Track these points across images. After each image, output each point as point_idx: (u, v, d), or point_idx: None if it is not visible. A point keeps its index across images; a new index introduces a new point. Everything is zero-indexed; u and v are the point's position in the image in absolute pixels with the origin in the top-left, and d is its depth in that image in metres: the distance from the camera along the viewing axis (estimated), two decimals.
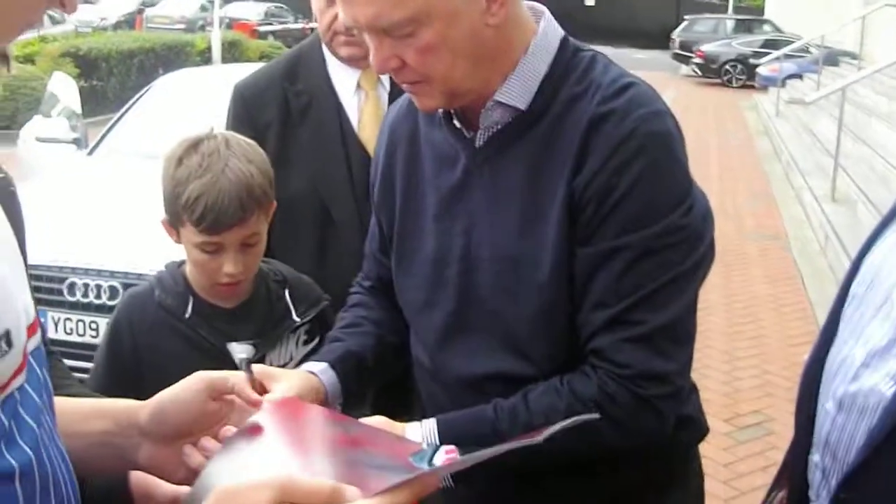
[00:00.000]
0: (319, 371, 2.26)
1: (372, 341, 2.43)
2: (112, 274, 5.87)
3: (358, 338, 2.43)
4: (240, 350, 2.45)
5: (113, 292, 5.81)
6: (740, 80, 34.70)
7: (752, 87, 31.72)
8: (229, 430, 1.74)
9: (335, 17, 3.00)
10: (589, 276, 2.05)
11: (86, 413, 1.68)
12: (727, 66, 35.46)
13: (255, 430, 1.66)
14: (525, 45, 2.12)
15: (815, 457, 2.13)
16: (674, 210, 2.02)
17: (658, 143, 2.03)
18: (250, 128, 3.17)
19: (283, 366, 2.66)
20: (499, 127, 2.14)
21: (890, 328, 1.95)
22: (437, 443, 1.96)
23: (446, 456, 1.68)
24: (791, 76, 27.11)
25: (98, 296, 5.87)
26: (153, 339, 2.64)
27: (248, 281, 2.68)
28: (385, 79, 3.14)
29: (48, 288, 5.85)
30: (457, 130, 2.19)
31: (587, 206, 2.02)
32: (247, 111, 3.23)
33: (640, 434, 2.08)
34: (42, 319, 4.92)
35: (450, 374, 2.26)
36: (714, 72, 35.71)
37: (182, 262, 2.72)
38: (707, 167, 16.84)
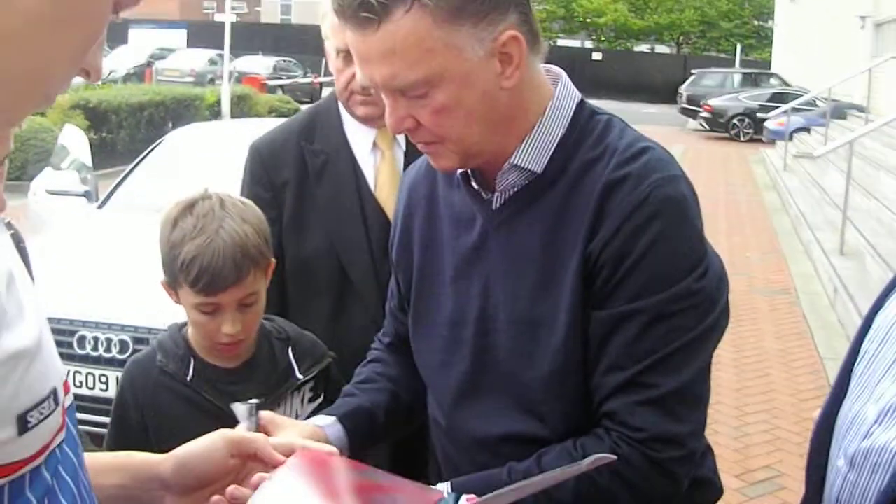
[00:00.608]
0: (326, 425, 2.29)
1: (385, 398, 2.45)
2: (122, 328, 5.90)
3: (371, 394, 2.45)
4: (244, 410, 2.47)
5: (123, 346, 5.84)
6: (748, 133, 34.69)
7: (760, 140, 31.71)
8: (261, 477, 1.76)
9: (352, 77, 3.02)
10: (603, 339, 2.06)
11: (99, 468, 1.69)
12: (735, 120, 35.47)
13: (285, 477, 1.69)
14: (541, 108, 2.14)
15: None
16: (688, 275, 2.04)
17: (673, 208, 2.04)
18: (267, 186, 3.22)
19: None
20: (515, 189, 2.15)
21: None
22: None
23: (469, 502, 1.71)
24: (798, 129, 27.16)
25: (108, 349, 5.90)
26: (157, 404, 2.65)
27: (250, 340, 2.69)
28: (401, 138, 3.16)
29: (58, 341, 5.80)
30: (474, 192, 2.21)
31: (602, 270, 2.04)
32: (264, 170, 3.24)
33: (654, 497, 2.09)
34: None
35: (465, 435, 2.27)
36: (722, 126, 35.72)
37: (183, 325, 2.73)
38: (715, 222, 16.84)
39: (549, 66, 2.20)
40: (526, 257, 2.14)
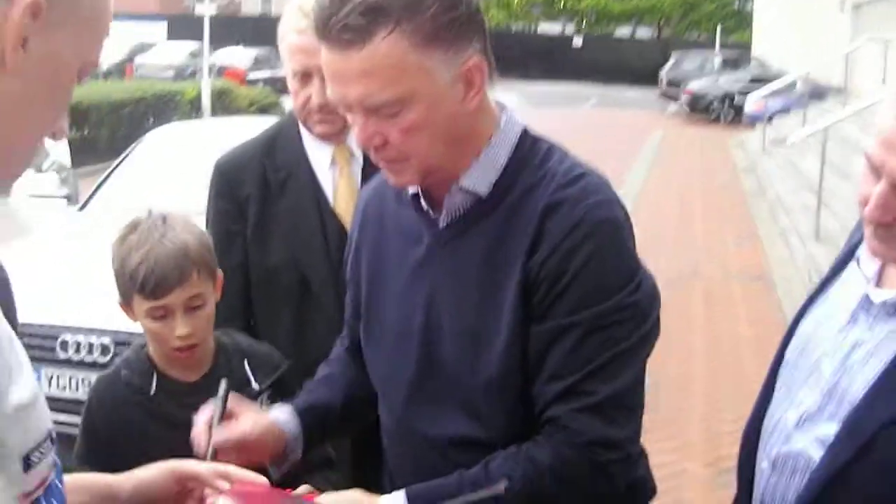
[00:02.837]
0: (284, 421, 2.46)
1: (342, 395, 2.61)
2: (104, 331, 5.97)
3: (329, 391, 2.62)
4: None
5: (104, 349, 5.93)
6: (728, 117, 34.73)
7: (740, 123, 31.78)
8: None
9: (309, 98, 3.17)
10: (543, 350, 2.20)
11: (67, 489, 1.83)
12: (715, 104, 35.51)
13: None
14: (489, 135, 2.29)
15: None
16: (621, 290, 2.18)
17: (606, 229, 2.20)
18: (231, 201, 3.36)
19: None
20: (461, 210, 2.30)
21: (818, 395, 2.10)
22: None
23: None
24: (778, 112, 27.20)
25: (90, 353, 5.99)
26: (123, 417, 2.79)
27: (206, 347, 2.84)
28: (358, 153, 3.29)
29: (40, 345, 5.95)
30: (423, 211, 2.35)
31: (541, 286, 2.18)
32: (228, 186, 3.37)
33: (595, 498, 2.23)
34: (36, 376, 5.01)
35: (415, 438, 2.40)
36: (702, 109, 35.73)
37: (146, 342, 2.88)
38: (691, 207, 16.95)
39: (496, 98, 2.35)
40: (468, 273, 2.27)
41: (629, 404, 2.24)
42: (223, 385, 2.38)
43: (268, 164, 3.35)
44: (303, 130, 3.36)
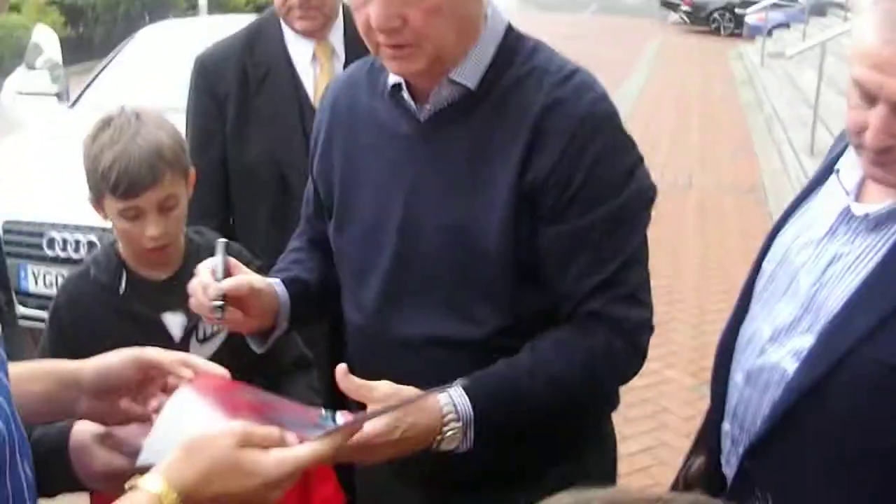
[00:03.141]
0: (278, 286, 2.43)
1: (315, 276, 2.57)
2: (91, 229, 5.97)
3: (304, 270, 2.58)
4: (173, 320, 2.56)
5: (91, 247, 5.92)
6: (728, 28, 34.46)
7: (741, 35, 31.56)
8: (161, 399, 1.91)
9: None
10: (569, 249, 2.20)
11: (27, 377, 1.83)
12: (715, 14, 35.22)
13: (187, 397, 1.82)
14: (479, 29, 2.25)
15: (725, 425, 2.26)
16: (631, 178, 2.22)
17: (608, 123, 2.22)
18: (211, 97, 3.34)
19: (215, 333, 2.79)
20: (446, 103, 2.26)
21: (795, 308, 2.08)
22: (468, 407, 2.09)
23: (345, 417, 1.88)
24: (779, 25, 27.02)
25: (77, 250, 6.00)
26: (91, 315, 2.76)
27: (178, 247, 2.81)
28: (339, 49, 3.28)
29: (28, 242, 5.99)
30: (404, 103, 2.30)
31: (552, 189, 2.17)
32: (208, 81, 3.35)
33: (628, 378, 2.34)
34: (22, 272, 5.02)
35: (386, 337, 2.36)
36: (702, 20, 35.47)
37: (115, 241, 2.84)
38: (688, 118, 16.79)
39: None
40: (454, 167, 2.24)
41: (649, 287, 2.31)
42: (222, 243, 2.34)
43: (248, 61, 3.33)
44: (284, 27, 3.33)
